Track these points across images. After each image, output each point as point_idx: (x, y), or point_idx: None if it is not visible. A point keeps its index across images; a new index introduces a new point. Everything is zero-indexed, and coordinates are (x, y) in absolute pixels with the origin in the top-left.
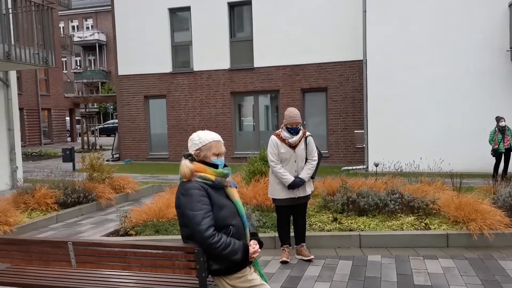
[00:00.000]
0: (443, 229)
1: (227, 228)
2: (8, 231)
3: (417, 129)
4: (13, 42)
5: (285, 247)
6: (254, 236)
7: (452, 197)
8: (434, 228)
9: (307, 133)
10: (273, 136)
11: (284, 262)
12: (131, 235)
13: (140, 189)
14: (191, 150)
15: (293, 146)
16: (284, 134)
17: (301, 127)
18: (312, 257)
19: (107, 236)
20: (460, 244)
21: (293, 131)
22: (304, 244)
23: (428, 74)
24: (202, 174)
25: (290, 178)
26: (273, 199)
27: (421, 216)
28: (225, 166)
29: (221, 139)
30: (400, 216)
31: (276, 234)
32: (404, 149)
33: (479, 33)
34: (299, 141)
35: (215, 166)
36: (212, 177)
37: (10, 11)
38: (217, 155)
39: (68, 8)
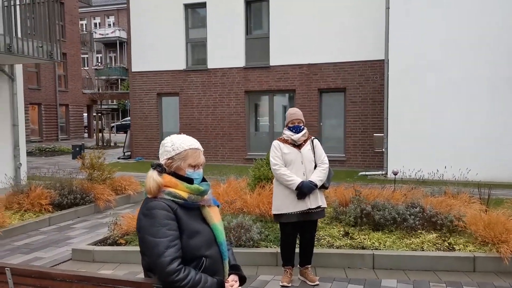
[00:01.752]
0: (469, 251)
1: (199, 260)
2: None
3: (441, 134)
4: (19, 35)
5: (288, 269)
6: (234, 269)
7: (480, 212)
8: (459, 249)
9: (313, 137)
10: (275, 141)
11: (284, 287)
12: (120, 244)
13: (142, 191)
14: (162, 158)
15: (297, 145)
16: (286, 133)
17: (305, 129)
18: (318, 283)
19: (94, 244)
20: (489, 269)
21: (295, 130)
22: (310, 266)
23: (454, 76)
24: (171, 190)
25: (297, 180)
26: (277, 215)
27: (444, 233)
28: (203, 180)
29: (200, 147)
30: (421, 233)
31: (279, 250)
32: (426, 155)
33: (509, 35)
34: (304, 141)
35: (190, 181)
36: (184, 194)
37: (13, 2)
38: (194, 166)
39: (89, 5)
